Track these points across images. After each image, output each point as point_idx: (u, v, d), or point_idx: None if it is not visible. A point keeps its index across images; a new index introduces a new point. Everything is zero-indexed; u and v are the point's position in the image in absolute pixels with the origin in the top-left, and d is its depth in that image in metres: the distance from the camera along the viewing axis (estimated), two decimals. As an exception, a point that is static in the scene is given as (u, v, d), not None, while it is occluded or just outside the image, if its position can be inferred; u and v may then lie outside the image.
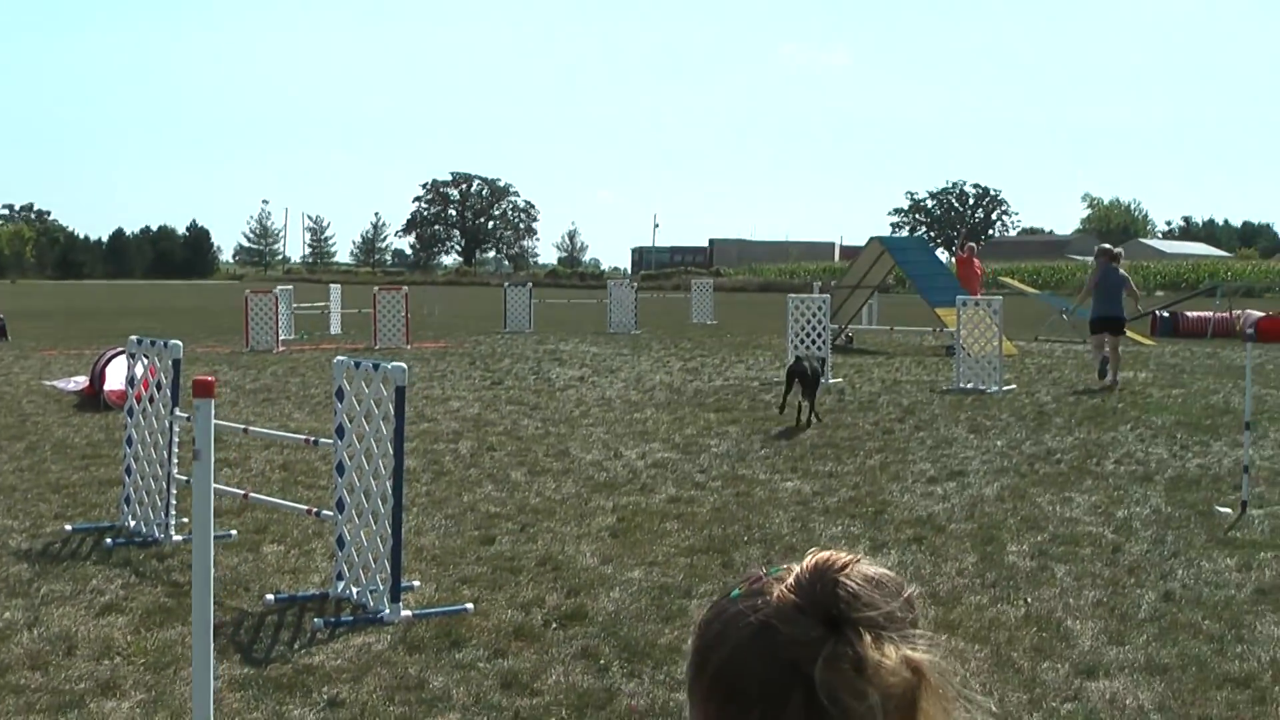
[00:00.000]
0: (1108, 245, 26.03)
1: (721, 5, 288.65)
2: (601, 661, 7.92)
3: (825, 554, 1.55)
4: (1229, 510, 12.30)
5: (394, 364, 8.95)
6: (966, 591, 9.54)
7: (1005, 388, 22.76)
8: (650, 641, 8.28)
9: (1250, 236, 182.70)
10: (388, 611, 8.77)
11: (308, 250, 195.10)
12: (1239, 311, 41.08)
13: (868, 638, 1.46)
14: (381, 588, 8.92)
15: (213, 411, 5.54)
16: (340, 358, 9.60)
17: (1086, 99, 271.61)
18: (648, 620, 8.76)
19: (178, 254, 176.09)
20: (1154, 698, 7.37)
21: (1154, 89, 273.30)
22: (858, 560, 1.54)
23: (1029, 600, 9.31)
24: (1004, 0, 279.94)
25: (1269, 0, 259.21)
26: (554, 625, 8.69)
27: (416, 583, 9.63)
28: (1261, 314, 39.66)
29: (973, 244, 37.45)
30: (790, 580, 1.52)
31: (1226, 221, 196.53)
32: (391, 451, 8.86)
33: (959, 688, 1.52)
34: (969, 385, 23.02)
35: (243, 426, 13.22)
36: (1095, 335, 24.25)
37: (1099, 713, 7.12)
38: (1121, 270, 24.13)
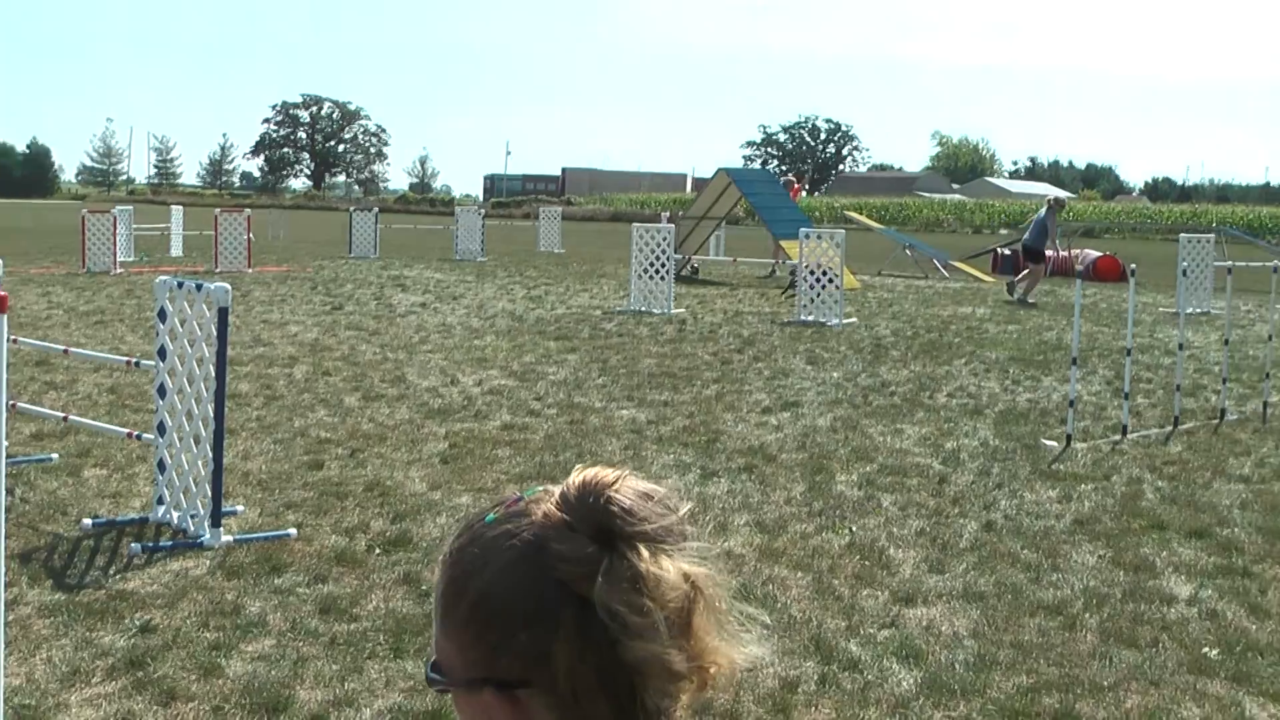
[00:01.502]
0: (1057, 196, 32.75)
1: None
2: (424, 588, 7.86)
3: (592, 470, 1.52)
4: (1054, 443, 12.53)
5: (216, 284, 8.77)
6: (793, 520, 9.61)
7: (845, 321, 22.95)
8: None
9: (1093, 178, 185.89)
10: (208, 536, 8.63)
11: (153, 171, 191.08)
12: (1078, 251, 41.76)
13: (645, 552, 1.43)
14: (202, 512, 8.77)
15: (4, 327, 5.35)
16: (162, 278, 9.40)
17: (939, 38, 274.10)
18: (473, 547, 8.70)
19: (16, 172, 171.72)
20: (969, 624, 7.48)
21: (1004, 29, 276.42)
22: (626, 476, 1.50)
23: (854, 529, 9.40)
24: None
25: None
26: (377, 551, 8.61)
27: (240, 507, 9.50)
28: (1099, 254, 40.38)
29: (792, 176, 38.77)
30: (556, 499, 1.49)
31: (1071, 163, 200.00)
32: (214, 374, 8.70)
33: (731, 601, 1.50)
34: (810, 318, 23.18)
35: (63, 348, 12.93)
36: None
37: (914, 639, 7.20)
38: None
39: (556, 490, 1.51)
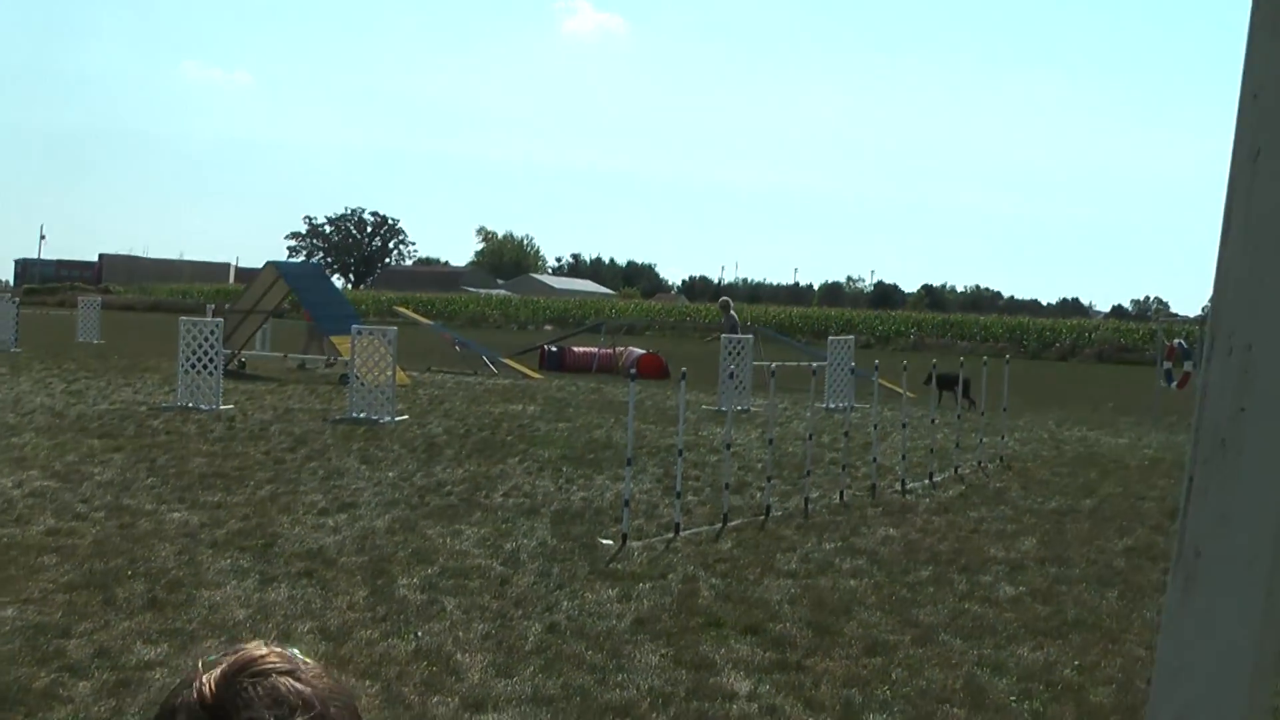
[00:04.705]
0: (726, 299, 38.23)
1: (120, 15, 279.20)
2: (-34, 712, 7.42)
3: (259, 654, 1.55)
4: (611, 542, 12.77)
5: None
6: (357, 626, 9.49)
7: (398, 418, 22.89)
8: (24, 686, 7.81)
9: (633, 276, 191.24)
10: None
11: None
12: (622, 348, 42.87)
13: None
14: None
15: None
16: None
17: (485, 134, 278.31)
18: (21, 663, 8.26)
19: None
20: (539, 730, 7.51)
21: (549, 129, 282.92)
22: (287, 671, 1.53)
23: (419, 634, 9.34)
24: (400, 34, 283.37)
25: (646, 52, 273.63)
26: (-86, 670, 8.08)
27: None
28: (642, 351, 41.58)
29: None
30: (218, 672, 1.50)
31: (612, 260, 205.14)
32: None
33: None
34: (361, 415, 23.03)
35: None
36: None
37: (485, 747, 7.19)
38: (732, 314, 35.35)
39: (226, 660, 1.51)
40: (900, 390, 22.55)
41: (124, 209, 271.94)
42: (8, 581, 10.30)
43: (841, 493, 16.20)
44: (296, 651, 1.57)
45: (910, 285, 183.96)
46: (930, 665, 9.14)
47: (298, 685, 1.50)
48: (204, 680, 1.50)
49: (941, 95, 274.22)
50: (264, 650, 1.53)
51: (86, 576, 10.55)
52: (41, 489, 14.39)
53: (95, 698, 7.67)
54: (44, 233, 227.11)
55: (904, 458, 18.01)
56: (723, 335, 31.68)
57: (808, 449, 16.40)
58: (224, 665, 1.51)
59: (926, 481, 17.88)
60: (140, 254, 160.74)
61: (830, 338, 32.22)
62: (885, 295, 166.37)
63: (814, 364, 17.10)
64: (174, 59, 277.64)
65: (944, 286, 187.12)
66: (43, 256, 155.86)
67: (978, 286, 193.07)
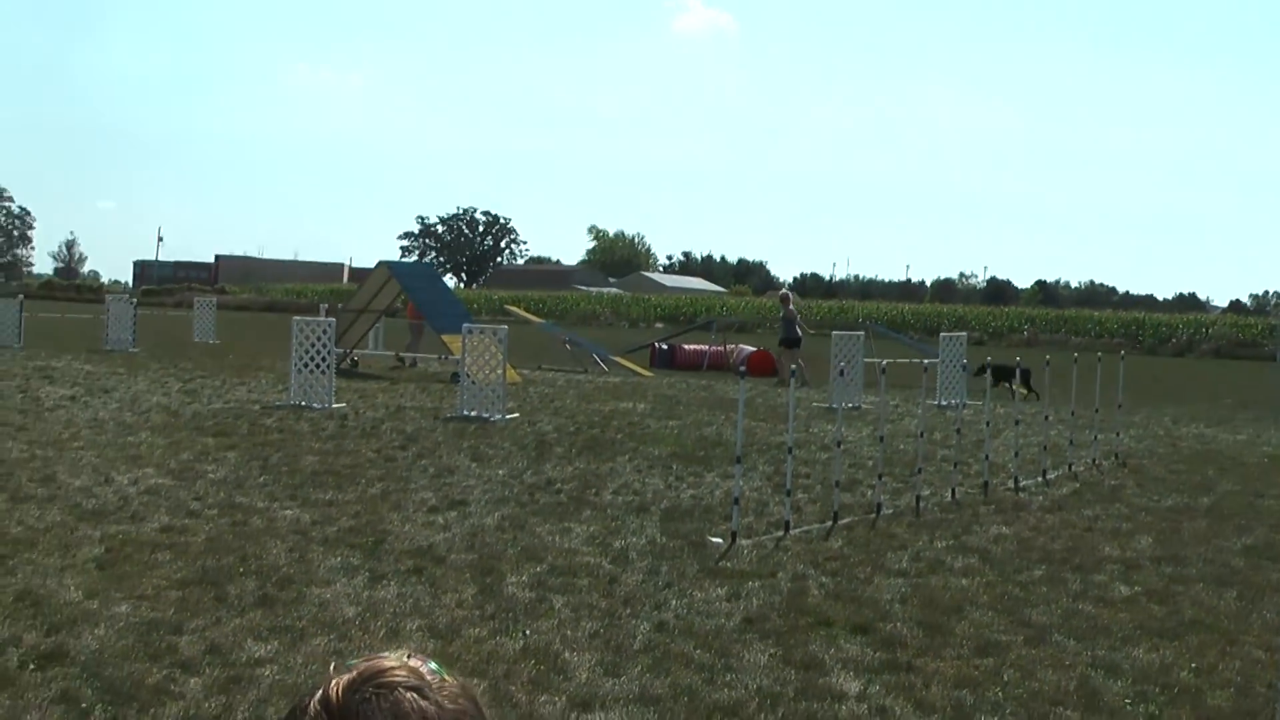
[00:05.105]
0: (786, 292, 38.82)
1: (235, 20, 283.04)
2: (83, 705, 7.48)
3: (388, 665, 1.53)
4: (720, 540, 12.70)
5: None
6: (466, 624, 9.50)
7: (508, 416, 22.96)
8: (137, 682, 7.88)
9: (744, 274, 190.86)
10: None
11: None
12: (732, 346, 42.82)
13: None
14: None
15: None
16: None
17: (595, 132, 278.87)
18: (134, 659, 8.34)
19: None
20: (646, 730, 7.47)
21: (659, 127, 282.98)
22: (414, 687, 1.52)
23: (527, 632, 9.33)
24: (510, 33, 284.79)
25: (756, 48, 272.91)
26: (31, 667, 8.16)
27: (-123, 621, 8.92)
28: (753, 349, 41.46)
29: None
30: (346, 678, 1.50)
31: (723, 258, 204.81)
32: None
33: None
34: (472, 413, 23.12)
35: None
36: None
37: (592, 746, 7.16)
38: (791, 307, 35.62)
39: (357, 668, 1.52)
40: (1012, 387, 22.31)
41: (240, 210, 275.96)
42: (123, 578, 10.42)
43: (953, 490, 16.04)
44: (436, 666, 1.55)
45: (1024, 281, 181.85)
46: (1043, 666, 9.01)
47: (422, 702, 1.49)
48: (332, 685, 1.49)
49: (1054, 89, 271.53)
50: (395, 662, 1.52)
51: (199, 573, 10.65)
52: (157, 486, 14.56)
53: (206, 694, 7.73)
54: (161, 234, 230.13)
55: (1017, 455, 17.82)
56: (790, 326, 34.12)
57: (919, 446, 16.25)
58: (353, 673, 1.50)
59: (1040, 479, 17.66)
60: (255, 254, 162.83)
61: (942, 334, 31.96)
62: (998, 291, 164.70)
63: (925, 361, 16.91)
64: (288, 62, 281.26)
65: (1058, 282, 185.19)
66: (160, 258, 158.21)
67: (1092, 282, 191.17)
